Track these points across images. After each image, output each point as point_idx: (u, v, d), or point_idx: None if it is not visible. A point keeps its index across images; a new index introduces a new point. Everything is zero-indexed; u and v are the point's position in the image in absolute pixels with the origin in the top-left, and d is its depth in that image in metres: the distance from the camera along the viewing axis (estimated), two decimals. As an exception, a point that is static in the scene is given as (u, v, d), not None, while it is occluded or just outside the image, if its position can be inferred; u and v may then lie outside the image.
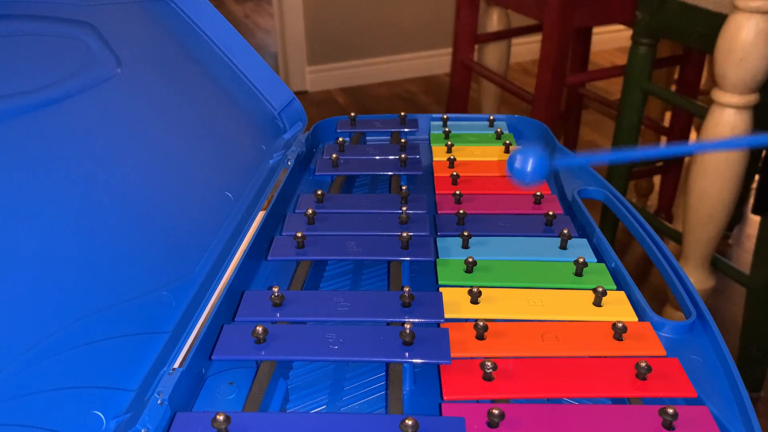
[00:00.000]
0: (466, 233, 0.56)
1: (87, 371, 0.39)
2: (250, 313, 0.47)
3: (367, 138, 0.82)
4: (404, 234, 0.55)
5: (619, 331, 0.45)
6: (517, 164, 0.48)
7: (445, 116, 0.82)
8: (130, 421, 0.38)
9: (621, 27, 1.67)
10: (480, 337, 0.45)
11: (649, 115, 1.70)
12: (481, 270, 0.53)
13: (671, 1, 1.20)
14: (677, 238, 1.29)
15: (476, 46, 1.84)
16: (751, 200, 1.48)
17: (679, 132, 1.67)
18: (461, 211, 0.60)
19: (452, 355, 0.43)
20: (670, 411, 0.37)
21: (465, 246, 0.56)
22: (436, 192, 0.66)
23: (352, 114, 0.80)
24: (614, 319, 0.47)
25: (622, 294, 0.50)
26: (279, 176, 0.68)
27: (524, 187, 0.54)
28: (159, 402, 0.39)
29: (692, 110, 1.26)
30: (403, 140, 0.75)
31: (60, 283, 0.41)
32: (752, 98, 1.04)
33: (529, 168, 0.48)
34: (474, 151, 0.75)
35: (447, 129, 0.79)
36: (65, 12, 0.56)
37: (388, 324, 0.47)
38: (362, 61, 2.70)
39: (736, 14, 1.00)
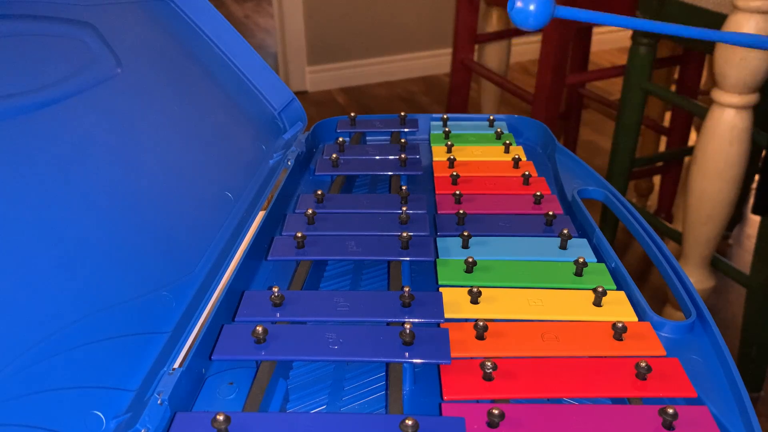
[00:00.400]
0: (466, 233, 0.56)
1: (87, 371, 0.39)
2: (250, 313, 0.47)
3: (367, 138, 0.82)
4: (404, 234, 0.55)
5: (619, 331, 0.45)
6: (519, 4, 0.46)
7: (445, 116, 0.82)
8: (130, 421, 0.38)
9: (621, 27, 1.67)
10: (480, 337, 0.45)
11: (649, 115, 1.70)
12: (481, 270, 0.53)
13: (671, 1, 1.20)
14: (677, 238, 1.29)
15: (476, 46, 1.84)
16: (751, 200, 1.48)
17: (679, 132, 1.67)
18: (461, 211, 0.60)
19: (452, 355, 0.43)
20: (670, 411, 0.37)
21: (465, 246, 0.56)
22: (436, 192, 0.66)
23: (352, 114, 0.80)
24: (614, 319, 0.47)
25: (622, 294, 0.50)
26: (279, 176, 0.68)
27: (526, 29, 0.51)
28: (159, 402, 0.39)
29: (692, 110, 1.26)
30: (403, 140, 0.75)
31: (60, 283, 0.41)
32: (752, 98, 1.04)
33: (531, 8, 0.46)
34: (474, 151, 0.75)
35: (447, 129, 0.79)
36: (65, 12, 0.56)
37: (388, 324, 0.47)
38: (362, 61, 2.70)
39: (736, 14, 1.00)
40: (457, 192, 0.64)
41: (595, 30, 2.00)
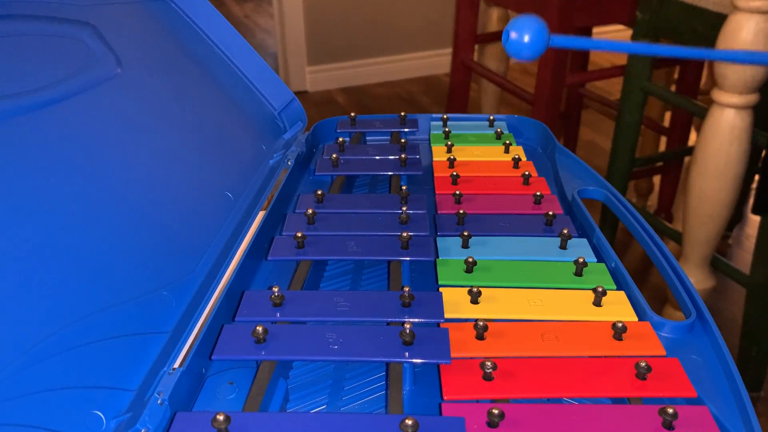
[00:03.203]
0: (466, 233, 0.56)
1: (87, 371, 0.39)
2: (250, 313, 0.47)
3: (367, 138, 0.82)
4: (404, 234, 0.55)
5: (618, 331, 0.45)
6: (513, 36, 0.46)
7: (445, 116, 0.82)
8: (130, 421, 0.38)
9: (621, 27, 1.67)
10: (480, 337, 0.45)
11: (649, 115, 1.70)
12: (481, 270, 0.53)
13: (671, 1, 1.20)
14: (677, 238, 1.29)
15: (476, 46, 1.84)
16: (751, 200, 1.47)
17: (679, 132, 1.67)
18: (461, 211, 0.60)
19: (452, 355, 0.43)
20: (670, 411, 0.37)
21: (465, 246, 0.56)
22: (436, 192, 0.66)
23: (352, 114, 0.80)
24: (614, 318, 0.47)
25: (622, 294, 0.50)
26: (279, 176, 0.68)
27: (521, 60, 0.51)
28: (159, 402, 0.39)
29: (692, 110, 1.26)
30: (403, 140, 0.75)
31: (60, 283, 0.41)
32: (752, 98, 1.04)
33: (526, 39, 0.45)
34: (474, 151, 0.75)
35: (447, 129, 0.79)
36: (65, 12, 0.56)
37: (388, 324, 0.47)
38: (362, 61, 2.70)
39: (736, 14, 1.00)
40: (457, 192, 0.64)
41: (595, 30, 2.00)
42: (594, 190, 0.67)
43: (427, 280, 0.56)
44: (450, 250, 0.56)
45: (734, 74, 1.02)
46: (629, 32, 1.31)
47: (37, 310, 0.39)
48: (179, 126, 0.61)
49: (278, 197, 0.63)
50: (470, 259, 0.52)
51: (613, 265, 0.55)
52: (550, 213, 0.59)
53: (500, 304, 0.49)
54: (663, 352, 0.44)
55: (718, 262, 1.23)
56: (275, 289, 0.48)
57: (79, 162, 0.48)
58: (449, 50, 2.69)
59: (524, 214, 0.62)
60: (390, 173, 0.71)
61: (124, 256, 0.46)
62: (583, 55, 1.90)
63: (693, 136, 1.72)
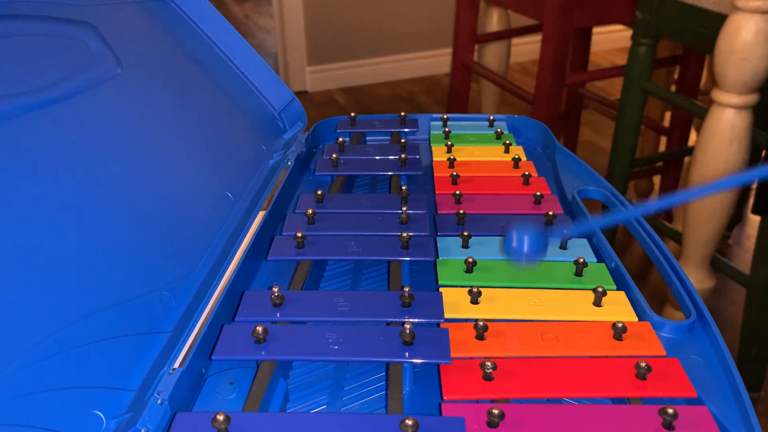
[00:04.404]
0: (466, 233, 0.56)
1: (87, 371, 0.39)
2: (250, 313, 0.47)
3: (367, 138, 0.82)
4: (404, 234, 0.55)
5: (618, 331, 0.45)
6: (514, 243, 0.47)
7: (445, 116, 0.82)
8: (130, 421, 0.38)
9: (621, 27, 1.67)
10: (480, 337, 0.45)
11: (649, 115, 1.70)
12: (481, 270, 0.53)
13: (671, 1, 1.20)
14: (677, 238, 1.29)
15: (476, 46, 1.84)
16: (751, 200, 1.48)
17: (679, 132, 1.67)
18: (461, 211, 0.60)
19: (452, 355, 0.43)
20: (670, 411, 0.37)
21: (465, 246, 0.56)
22: (436, 192, 0.66)
23: (352, 114, 0.80)
24: (614, 319, 0.47)
25: (622, 294, 0.50)
26: (279, 176, 0.68)
27: (521, 264, 0.52)
28: (159, 402, 0.39)
29: (692, 110, 1.26)
30: (403, 140, 0.75)
31: (60, 283, 0.41)
32: (752, 98, 1.04)
33: (525, 247, 0.47)
34: (474, 151, 0.75)
35: (447, 129, 0.79)
36: (65, 12, 0.56)
37: (388, 324, 0.47)
38: (362, 61, 2.70)
39: (736, 14, 1.00)
40: (457, 192, 0.64)
41: (595, 30, 2.00)
42: (594, 190, 0.67)
43: (427, 280, 0.56)
44: (450, 250, 0.56)
45: (734, 74, 1.02)
46: (629, 32, 1.31)
47: (37, 310, 0.39)
48: (179, 126, 0.61)
49: (278, 197, 0.63)
50: (470, 259, 0.52)
51: (613, 265, 0.55)
52: (550, 213, 0.59)
53: (500, 304, 0.49)
54: (663, 352, 0.44)
55: (718, 262, 1.23)
56: (275, 289, 0.48)
57: (79, 162, 0.48)
58: (449, 50, 2.69)
59: (524, 214, 0.62)
60: (390, 173, 0.71)
61: (124, 256, 0.46)
62: (583, 55, 1.90)
63: (693, 136, 1.72)
